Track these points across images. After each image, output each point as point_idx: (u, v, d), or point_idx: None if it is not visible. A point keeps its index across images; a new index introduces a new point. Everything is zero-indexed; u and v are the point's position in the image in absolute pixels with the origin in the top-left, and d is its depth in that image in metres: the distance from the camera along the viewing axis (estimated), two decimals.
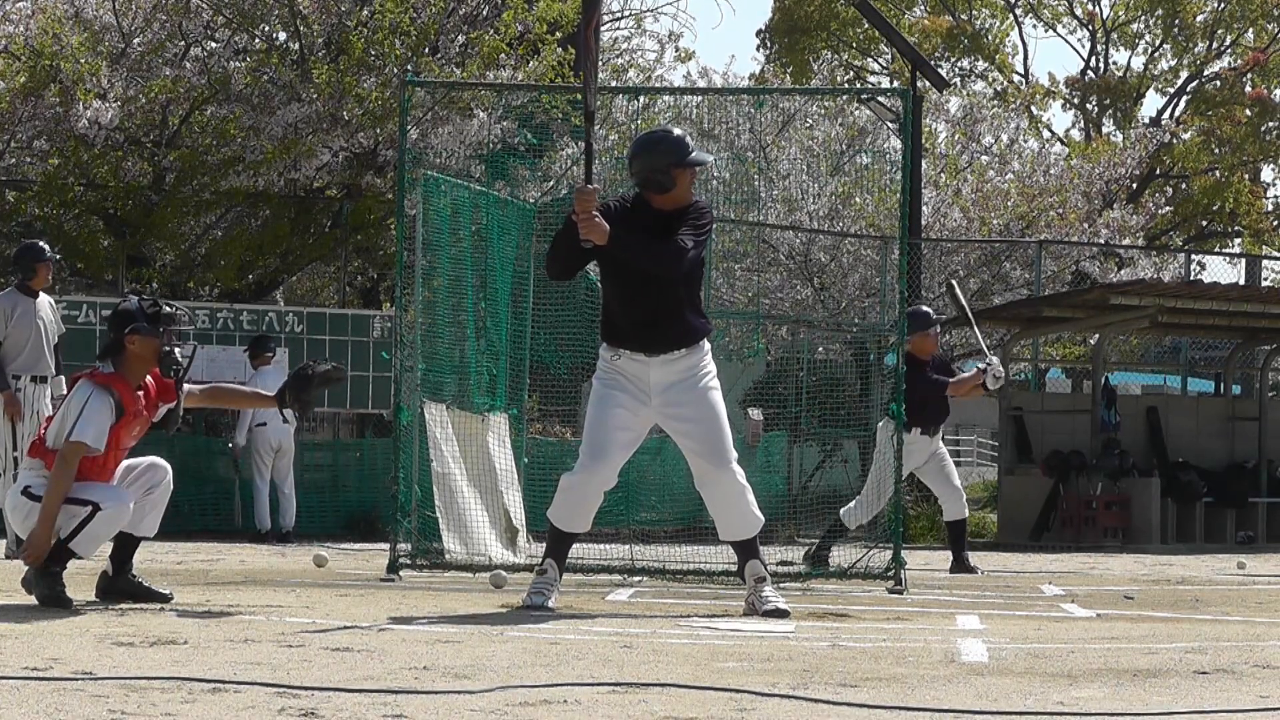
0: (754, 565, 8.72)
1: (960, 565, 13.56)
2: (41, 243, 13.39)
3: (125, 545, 8.41)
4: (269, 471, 17.86)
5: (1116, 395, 23.24)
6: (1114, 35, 45.01)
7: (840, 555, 12.68)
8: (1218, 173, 41.67)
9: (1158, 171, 40.47)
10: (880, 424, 13.16)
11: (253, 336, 18.34)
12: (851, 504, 13.23)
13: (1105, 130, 43.43)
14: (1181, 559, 17.73)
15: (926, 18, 44.67)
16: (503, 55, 20.02)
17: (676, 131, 8.76)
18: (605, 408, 8.63)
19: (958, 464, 42.42)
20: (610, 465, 8.65)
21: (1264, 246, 43.10)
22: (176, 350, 8.30)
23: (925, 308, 14.47)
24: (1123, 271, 27.00)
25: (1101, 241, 26.47)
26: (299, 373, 8.58)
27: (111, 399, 8.09)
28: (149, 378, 8.31)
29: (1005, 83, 43.89)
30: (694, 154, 8.62)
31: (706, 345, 8.76)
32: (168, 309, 8.31)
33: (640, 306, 8.57)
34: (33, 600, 8.13)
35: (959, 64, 44.86)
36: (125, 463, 8.37)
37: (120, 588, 8.41)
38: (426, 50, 19.98)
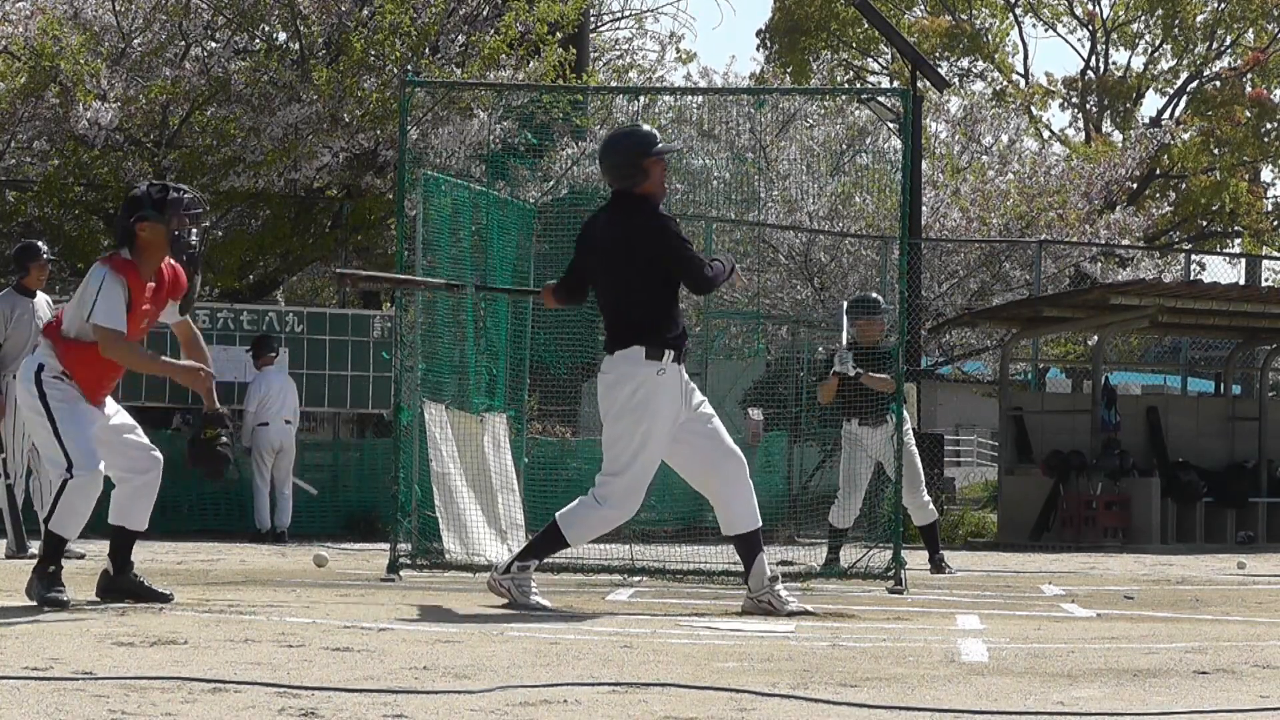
0: (762, 562, 8.70)
1: (934, 565, 13.41)
2: (38, 243, 13.40)
3: (121, 541, 8.39)
4: (269, 471, 17.85)
5: (1116, 395, 23.22)
6: (1114, 35, 45.02)
7: (841, 555, 12.72)
8: (1217, 173, 41.66)
9: (1158, 172, 40.47)
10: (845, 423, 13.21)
11: (255, 337, 18.30)
12: (834, 506, 13.24)
13: (1105, 130, 43.42)
14: (1181, 559, 17.72)
15: (926, 17, 44.66)
16: (503, 56, 20.01)
17: (645, 127, 8.82)
18: (653, 449, 8.57)
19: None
20: (639, 502, 8.70)
21: (1264, 246, 43.10)
22: (192, 234, 8.27)
23: (874, 294, 14.30)
24: (1123, 272, 26.98)
25: (1101, 242, 26.45)
26: (194, 438, 8.49)
27: (122, 286, 8.09)
28: (167, 265, 8.30)
29: (1005, 82, 43.89)
30: (661, 144, 8.63)
31: None
32: (174, 194, 8.27)
33: (678, 315, 8.66)
34: (33, 601, 8.13)
35: (958, 64, 44.86)
36: (125, 433, 8.34)
37: (121, 587, 8.40)
38: (426, 50, 19.98)
